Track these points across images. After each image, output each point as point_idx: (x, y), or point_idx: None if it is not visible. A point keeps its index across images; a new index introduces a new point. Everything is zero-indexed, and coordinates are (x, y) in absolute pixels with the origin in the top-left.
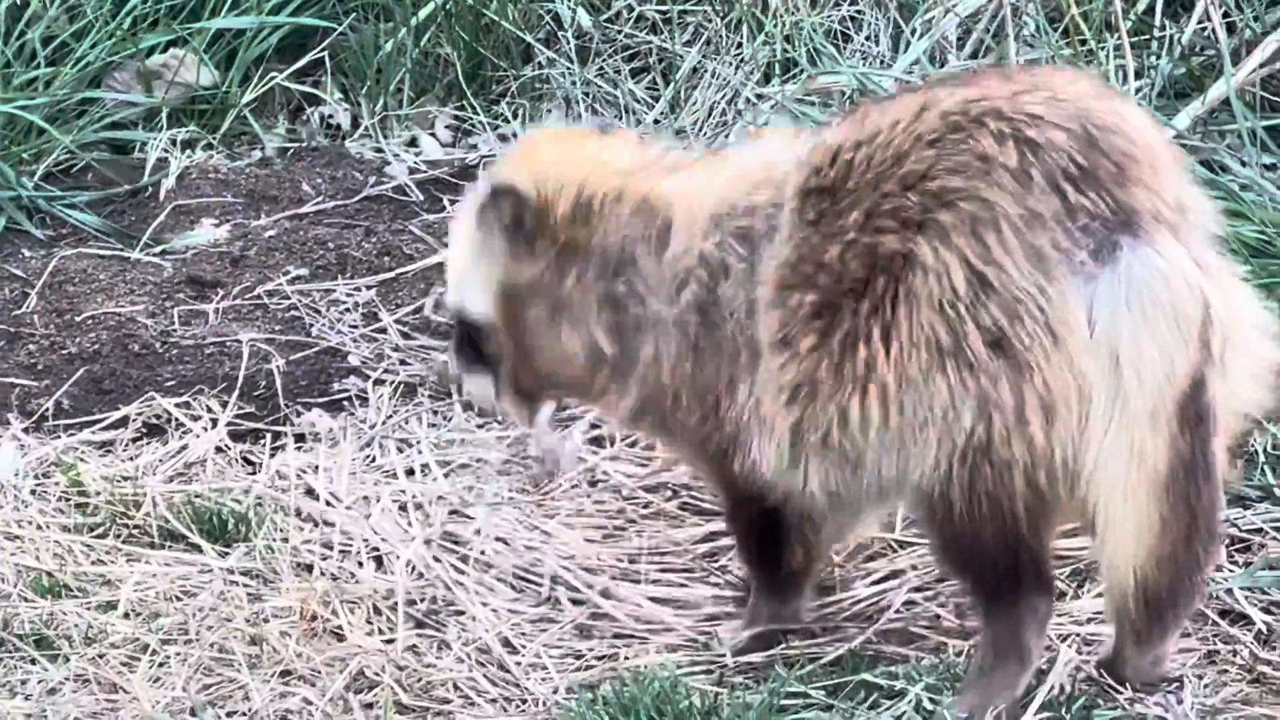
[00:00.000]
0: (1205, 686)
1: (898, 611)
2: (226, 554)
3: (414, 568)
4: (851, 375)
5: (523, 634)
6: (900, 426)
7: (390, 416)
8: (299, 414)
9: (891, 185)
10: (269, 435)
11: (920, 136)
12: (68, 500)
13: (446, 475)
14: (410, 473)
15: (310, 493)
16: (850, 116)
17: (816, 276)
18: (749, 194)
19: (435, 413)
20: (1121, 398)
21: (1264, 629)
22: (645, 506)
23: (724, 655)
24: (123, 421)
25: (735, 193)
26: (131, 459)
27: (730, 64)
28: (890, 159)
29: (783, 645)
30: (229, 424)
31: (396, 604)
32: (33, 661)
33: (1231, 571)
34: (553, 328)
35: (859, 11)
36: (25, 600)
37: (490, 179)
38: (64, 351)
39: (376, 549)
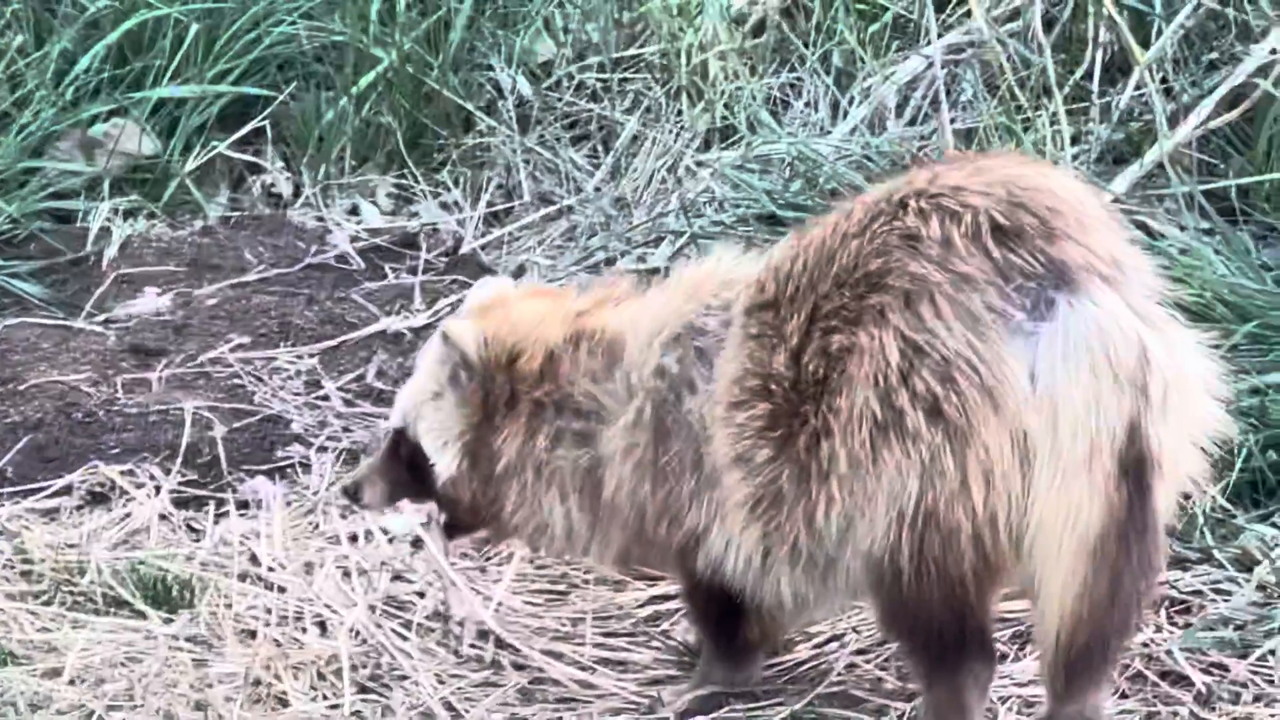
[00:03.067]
0: None
1: (840, 674)
2: (171, 620)
3: (357, 633)
4: (817, 474)
5: (467, 698)
6: (849, 508)
7: (333, 483)
8: (242, 481)
9: (827, 285)
10: (212, 502)
11: (848, 233)
12: (12, 568)
13: (390, 541)
14: (354, 539)
15: (254, 559)
16: (795, 232)
17: (767, 387)
18: (704, 314)
19: None
20: (1058, 452)
21: (1203, 690)
22: (587, 571)
23: (667, 718)
24: (66, 489)
25: (692, 312)
26: (76, 526)
27: (670, 131)
28: (824, 261)
29: (725, 708)
30: (172, 491)
31: (341, 669)
32: None
33: (1171, 633)
34: (533, 493)
35: (798, 79)
36: None
37: (449, 334)
38: (7, 420)
39: (320, 615)
